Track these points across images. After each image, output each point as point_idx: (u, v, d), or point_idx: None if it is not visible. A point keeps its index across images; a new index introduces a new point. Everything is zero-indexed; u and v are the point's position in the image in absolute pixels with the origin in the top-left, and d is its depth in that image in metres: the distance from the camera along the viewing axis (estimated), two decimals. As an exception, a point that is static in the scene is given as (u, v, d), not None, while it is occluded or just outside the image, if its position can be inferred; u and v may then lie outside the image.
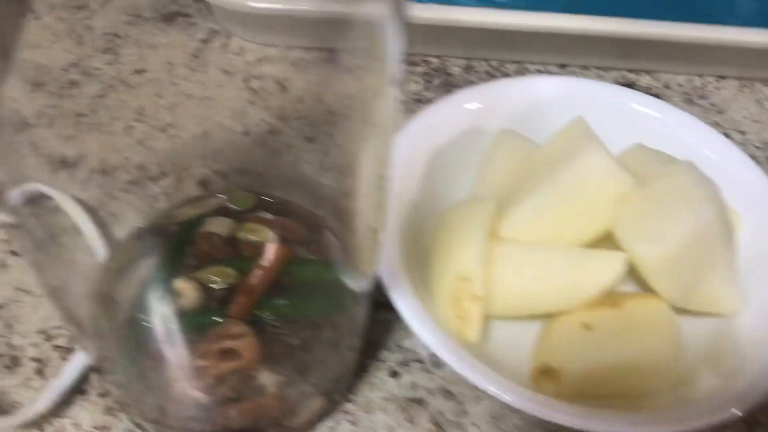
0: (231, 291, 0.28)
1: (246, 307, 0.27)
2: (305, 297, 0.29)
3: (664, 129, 0.34)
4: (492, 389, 0.25)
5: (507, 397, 0.25)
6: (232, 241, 0.29)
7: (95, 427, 0.28)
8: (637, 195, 0.29)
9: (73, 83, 0.26)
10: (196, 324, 0.27)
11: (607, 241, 0.30)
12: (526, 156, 0.32)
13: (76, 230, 0.26)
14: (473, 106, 0.34)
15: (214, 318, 0.27)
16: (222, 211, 0.30)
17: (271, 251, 0.29)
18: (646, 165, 0.31)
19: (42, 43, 0.25)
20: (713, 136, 0.33)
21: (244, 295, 0.28)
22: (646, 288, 0.31)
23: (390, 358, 0.31)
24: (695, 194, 0.28)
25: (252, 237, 0.29)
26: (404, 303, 0.27)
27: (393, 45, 0.17)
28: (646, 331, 0.28)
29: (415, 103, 0.41)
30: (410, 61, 0.45)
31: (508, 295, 0.29)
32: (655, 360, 0.28)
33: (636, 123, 0.34)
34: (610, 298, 0.29)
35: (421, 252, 0.31)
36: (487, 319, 0.30)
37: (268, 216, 0.30)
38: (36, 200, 0.24)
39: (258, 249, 0.29)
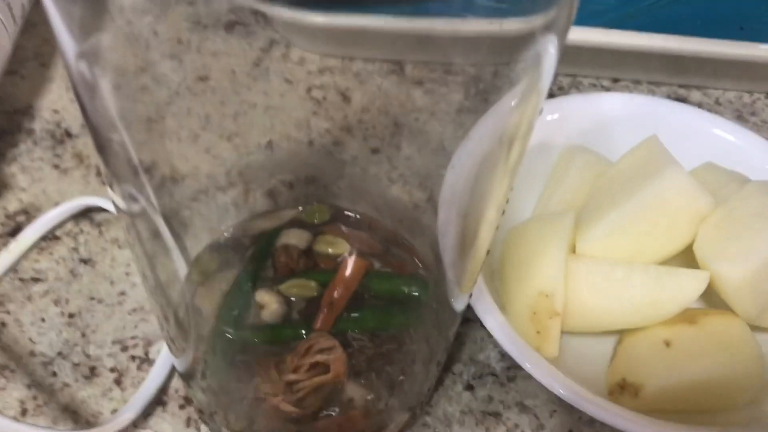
0: (312, 304, 0.28)
1: (329, 320, 0.28)
2: (385, 310, 0.29)
3: (731, 148, 0.34)
4: (593, 409, 0.25)
5: (602, 414, 0.25)
6: (309, 254, 0.29)
7: (178, 438, 0.29)
8: (715, 214, 0.29)
9: (144, 88, 0.26)
10: (281, 336, 0.27)
11: (678, 258, 0.31)
12: (598, 172, 0.32)
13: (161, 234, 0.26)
14: (542, 120, 0.35)
15: (300, 331, 0.27)
16: (296, 224, 0.30)
17: (350, 264, 0.29)
18: (719, 184, 0.31)
19: (117, 46, 0.25)
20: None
21: (327, 308, 0.28)
22: (713, 304, 0.31)
23: (465, 371, 0.31)
24: (774, 214, 0.29)
25: (330, 250, 0.29)
26: (492, 319, 0.27)
27: (547, 70, 0.17)
28: (725, 348, 0.28)
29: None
30: (454, 72, 0.45)
31: (585, 312, 0.29)
32: (734, 377, 0.28)
33: (704, 142, 0.35)
34: (686, 314, 0.29)
35: (492, 265, 0.31)
36: (562, 333, 0.30)
37: (344, 229, 0.30)
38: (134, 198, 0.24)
39: (335, 262, 0.29)
